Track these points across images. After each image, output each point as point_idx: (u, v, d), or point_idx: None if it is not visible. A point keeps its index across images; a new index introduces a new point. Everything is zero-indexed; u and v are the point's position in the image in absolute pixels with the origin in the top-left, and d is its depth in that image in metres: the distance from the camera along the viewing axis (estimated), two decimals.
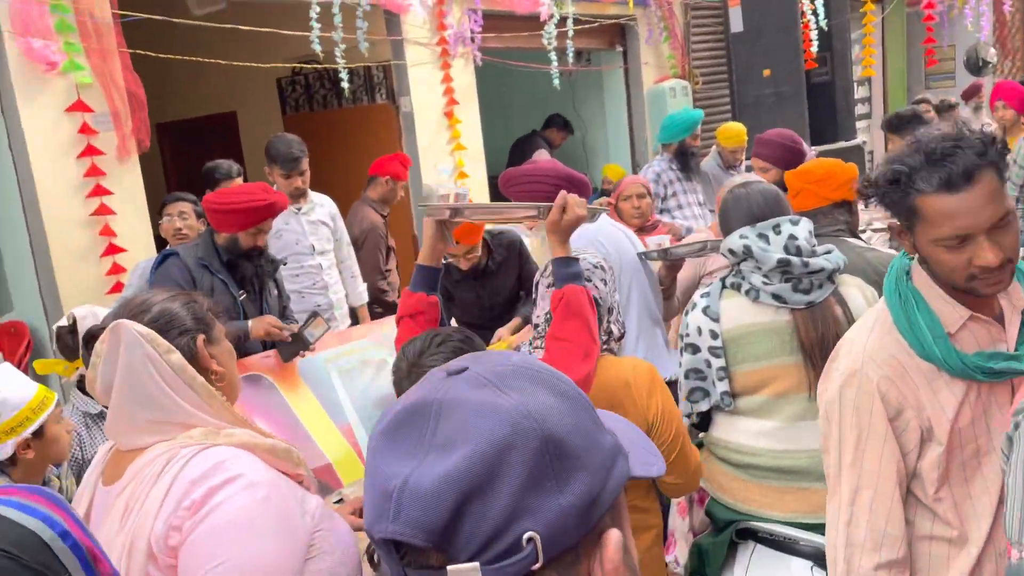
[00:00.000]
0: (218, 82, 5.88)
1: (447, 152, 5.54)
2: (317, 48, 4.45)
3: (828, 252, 2.09)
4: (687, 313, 2.23)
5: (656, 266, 3.09)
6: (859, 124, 7.73)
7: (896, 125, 4.59)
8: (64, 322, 2.28)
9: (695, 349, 2.17)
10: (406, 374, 1.72)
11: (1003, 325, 1.53)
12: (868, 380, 1.51)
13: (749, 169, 4.76)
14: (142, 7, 3.94)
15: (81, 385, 2.32)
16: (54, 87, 3.63)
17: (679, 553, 2.32)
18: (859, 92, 9.22)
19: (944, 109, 6.20)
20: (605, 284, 2.08)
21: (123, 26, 3.84)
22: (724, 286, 2.17)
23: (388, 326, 3.57)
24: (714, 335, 2.12)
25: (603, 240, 2.84)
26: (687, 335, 2.20)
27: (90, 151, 3.72)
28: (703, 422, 2.25)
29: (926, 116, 7.35)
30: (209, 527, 1.21)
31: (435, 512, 0.63)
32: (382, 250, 4.46)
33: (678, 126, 4.93)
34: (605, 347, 2.06)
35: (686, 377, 2.20)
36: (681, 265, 2.93)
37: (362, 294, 4.31)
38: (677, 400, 3.10)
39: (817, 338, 2.02)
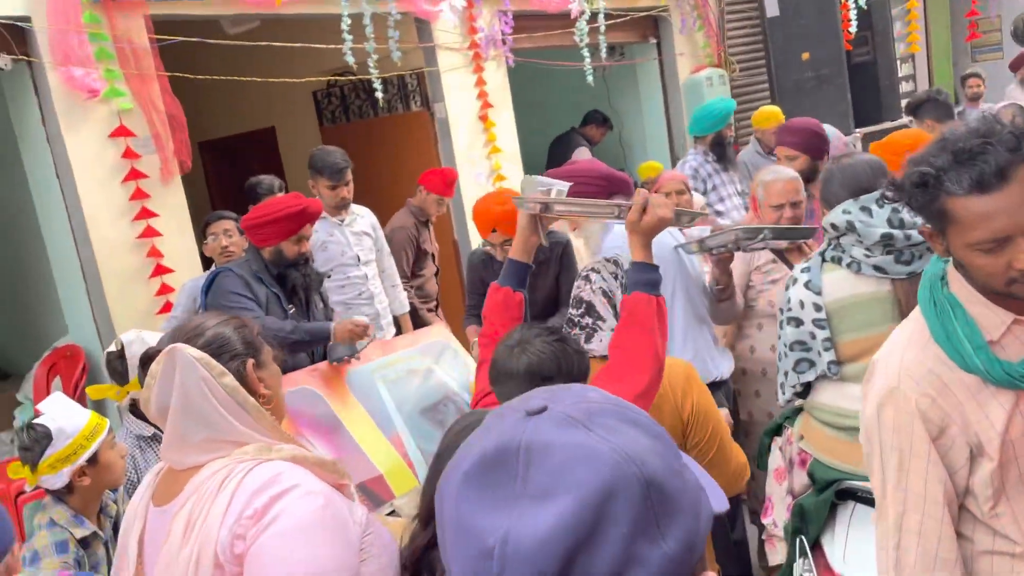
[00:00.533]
0: (256, 98, 5.96)
1: (484, 155, 5.53)
2: (350, 60, 4.47)
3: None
4: (788, 288, 2.29)
5: (706, 270, 3.02)
6: (904, 103, 7.50)
7: (913, 108, 4.47)
8: (113, 348, 2.32)
9: (798, 322, 2.23)
10: (511, 346, 1.72)
11: None
12: (906, 399, 1.43)
13: None
14: (178, 30, 4.00)
15: (133, 408, 2.35)
16: (96, 114, 3.71)
17: (776, 516, 2.38)
18: (903, 70, 8.95)
19: None
20: (616, 279, 2.06)
21: (160, 49, 3.91)
22: (824, 260, 2.22)
23: (432, 335, 3.57)
24: (817, 307, 2.19)
25: None
26: (789, 309, 2.26)
27: (134, 174, 3.79)
28: (804, 390, 2.32)
29: (972, 92, 7.12)
30: (274, 534, 1.27)
31: (543, 568, 0.59)
32: (408, 252, 4.47)
33: (713, 118, 4.82)
34: None
35: (791, 349, 2.26)
36: (731, 260, 2.87)
37: (404, 303, 4.33)
38: (730, 398, 3.05)
39: None
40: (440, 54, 5.23)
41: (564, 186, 2.09)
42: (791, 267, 2.92)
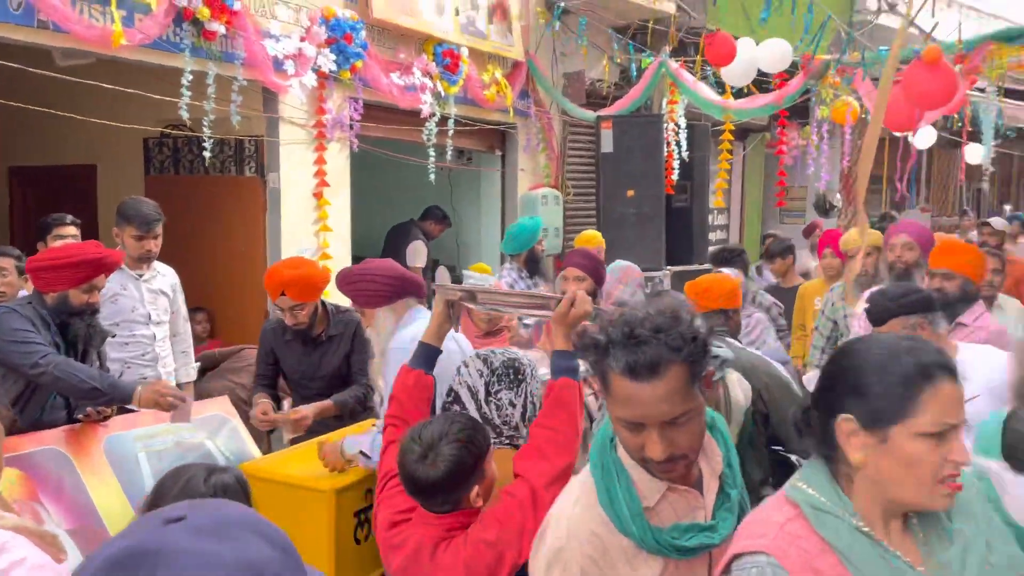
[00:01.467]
0: (81, 133, 5.64)
1: (312, 232, 5.51)
2: (185, 115, 4.39)
3: (720, 347, 2.38)
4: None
5: None
6: (713, 252, 8.22)
7: (724, 259, 5.15)
8: None
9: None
10: (419, 459, 1.80)
11: (702, 491, 1.51)
12: (572, 560, 1.45)
13: None
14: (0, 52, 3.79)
15: None
16: None
17: None
18: (719, 219, 9.87)
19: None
20: (480, 376, 2.19)
21: None
22: None
23: (210, 408, 3.43)
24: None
25: None
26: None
27: None
28: None
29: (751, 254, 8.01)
30: None
31: None
32: None
33: (524, 235, 5.10)
34: (508, 442, 2.14)
35: None
36: None
37: (192, 371, 4.15)
38: None
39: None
40: (283, 126, 5.23)
41: (492, 281, 2.22)
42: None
